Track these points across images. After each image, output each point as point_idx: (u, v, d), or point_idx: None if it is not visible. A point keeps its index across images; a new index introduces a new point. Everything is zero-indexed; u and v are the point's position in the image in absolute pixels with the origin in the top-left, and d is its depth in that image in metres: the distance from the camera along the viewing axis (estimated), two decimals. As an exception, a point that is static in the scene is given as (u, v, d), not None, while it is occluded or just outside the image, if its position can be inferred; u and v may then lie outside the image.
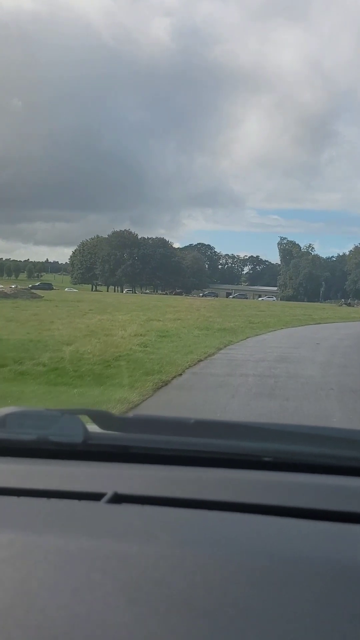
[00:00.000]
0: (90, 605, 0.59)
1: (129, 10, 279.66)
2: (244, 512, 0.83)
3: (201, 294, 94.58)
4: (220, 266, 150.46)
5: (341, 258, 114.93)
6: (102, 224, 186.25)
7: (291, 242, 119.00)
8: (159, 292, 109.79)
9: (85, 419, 1.12)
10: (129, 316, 20.51)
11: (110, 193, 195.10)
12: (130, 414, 1.42)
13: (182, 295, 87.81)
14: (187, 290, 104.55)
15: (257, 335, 16.85)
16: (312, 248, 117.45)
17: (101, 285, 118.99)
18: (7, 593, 0.62)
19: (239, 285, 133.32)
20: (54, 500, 0.86)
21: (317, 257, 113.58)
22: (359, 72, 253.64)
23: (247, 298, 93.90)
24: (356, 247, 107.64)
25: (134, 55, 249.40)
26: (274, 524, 0.81)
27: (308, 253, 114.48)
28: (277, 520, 0.81)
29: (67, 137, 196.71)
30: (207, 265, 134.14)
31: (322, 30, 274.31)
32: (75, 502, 0.86)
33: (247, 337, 15.57)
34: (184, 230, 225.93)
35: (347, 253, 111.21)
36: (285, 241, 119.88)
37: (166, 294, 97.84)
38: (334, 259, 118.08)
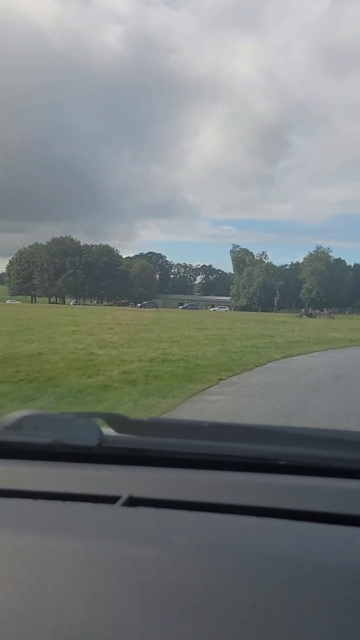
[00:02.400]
0: (106, 608, 0.59)
1: (79, 17, 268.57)
2: (259, 516, 0.82)
3: (139, 305, 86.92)
4: (172, 276, 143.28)
5: (295, 266, 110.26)
6: (54, 235, 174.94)
7: (244, 249, 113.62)
8: (104, 303, 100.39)
9: (100, 422, 1.11)
10: None
11: (63, 203, 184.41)
12: (146, 417, 1.20)
13: (128, 306, 79.67)
14: (135, 300, 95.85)
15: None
16: (266, 256, 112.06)
17: (41, 296, 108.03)
18: (23, 596, 0.62)
19: (192, 295, 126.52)
20: (69, 503, 0.86)
21: (270, 264, 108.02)
22: (313, 83, 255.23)
23: (197, 309, 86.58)
24: (310, 255, 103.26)
25: (86, 62, 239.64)
26: (289, 527, 0.80)
27: (261, 261, 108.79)
28: (293, 524, 0.81)
29: (18, 146, 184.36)
30: (158, 275, 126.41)
31: (277, 42, 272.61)
32: (91, 505, 0.86)
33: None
34: (139, 241, 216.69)
35: (301, 261, 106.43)
36: (238, 249, 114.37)
37: (110, 305, 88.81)
38: (287, 267, 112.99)
